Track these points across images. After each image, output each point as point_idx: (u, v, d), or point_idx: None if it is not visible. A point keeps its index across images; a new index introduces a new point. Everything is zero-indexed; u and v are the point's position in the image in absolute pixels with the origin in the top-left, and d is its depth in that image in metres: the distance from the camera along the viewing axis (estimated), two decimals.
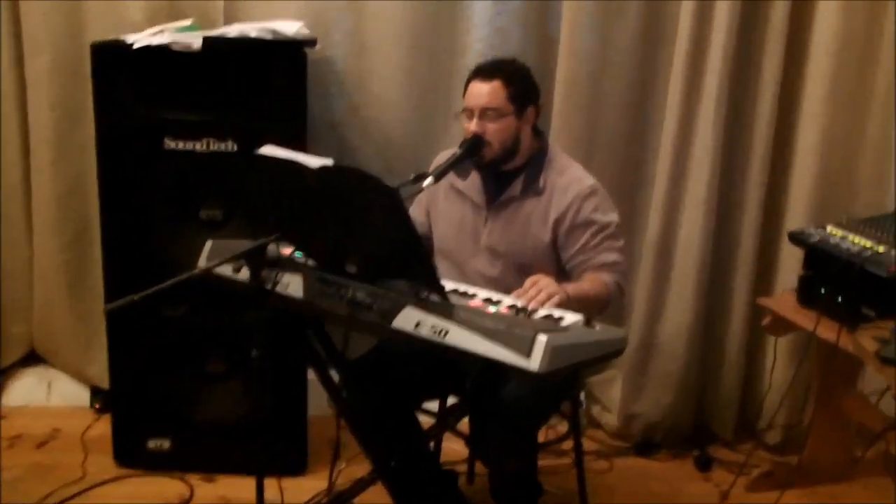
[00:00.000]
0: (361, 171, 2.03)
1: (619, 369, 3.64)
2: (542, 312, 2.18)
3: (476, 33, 3.33)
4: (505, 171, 2.62)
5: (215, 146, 2.93)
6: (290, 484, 2.82)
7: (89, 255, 3.44)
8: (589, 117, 3.36)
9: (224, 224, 3.02)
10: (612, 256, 2.57)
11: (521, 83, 2.56)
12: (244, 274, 2.33)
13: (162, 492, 3.09)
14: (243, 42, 2.93)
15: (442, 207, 2.75)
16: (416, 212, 2.88)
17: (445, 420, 2.75)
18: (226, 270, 2.39)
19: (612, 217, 2.60)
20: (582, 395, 3.68)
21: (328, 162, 2.11)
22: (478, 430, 2.54)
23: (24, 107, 3.37)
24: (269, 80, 2.94)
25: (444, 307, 2.09)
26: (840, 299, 2.76)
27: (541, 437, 2.88)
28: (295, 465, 3.17)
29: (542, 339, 1.92)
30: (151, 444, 3.18)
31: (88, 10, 3.28)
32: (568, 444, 3.01)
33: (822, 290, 2.84)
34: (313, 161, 2.12)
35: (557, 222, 2.57)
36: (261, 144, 2.90)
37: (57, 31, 3.25)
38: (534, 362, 1.92)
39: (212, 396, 3.16)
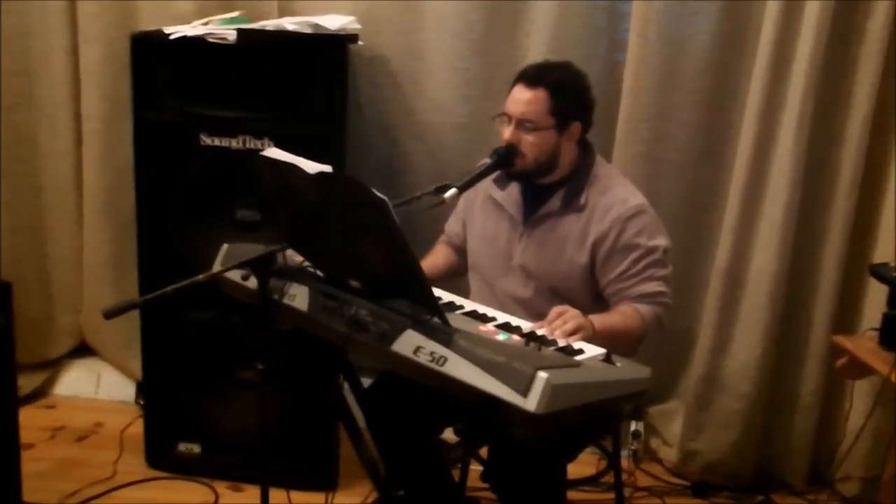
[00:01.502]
0: (356, 181, 1.86)
1: (681, 400, 3.38)
2: (560, 343, 1.98)
3: (538, 36, 3.11)
4: (545, 184, 2.41)
5: (251, 144, 2.83)
6: (316, 499, 2.71)
7: (134, 249, 3.36)
8: (655, 132, 3.11)
9: (260, 226, 2.91)
10: (654, 286, 2.34)
11: (568, 95, 2.34)
12: (254, 282, 2.21)
13: (187, 498, 3.02)
14: (281, 35, 2.80)
15: (478, 219, 2.57)
16: (452, 222, 2.71)
17: (466, 446, 2.56)
18: (235, 277, 2.28)
19: (660, 242, 2.37)
20: (641, 426, 3.43)
21: (327, 169, 1.95)
22: (493, 466, 2.34)
23: (77, 97, 3.35)
24: (308, 76, 2.82)
25: (446, 333, 1.91)
26: None
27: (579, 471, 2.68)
28: (324, 481, 3.04)
29: (542, 376, 1.71)
30: (182, 447, 3.12)
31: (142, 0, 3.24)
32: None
33: None
34: (313, 167, 1.97)
35: (597, 244, 2.35)
36: (296, 144, 2.83)
37: (110, 21, 3.21)
38: (531, 402, 1.72)
39: (243, 404, 3.06)
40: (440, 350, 1.87)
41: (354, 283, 2.11)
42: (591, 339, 2.05)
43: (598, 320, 2.15)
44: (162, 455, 3.14)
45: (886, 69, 2.94)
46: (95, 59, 3.24)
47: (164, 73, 2.83)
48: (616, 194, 2.38)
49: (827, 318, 3.11)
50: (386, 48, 3.20)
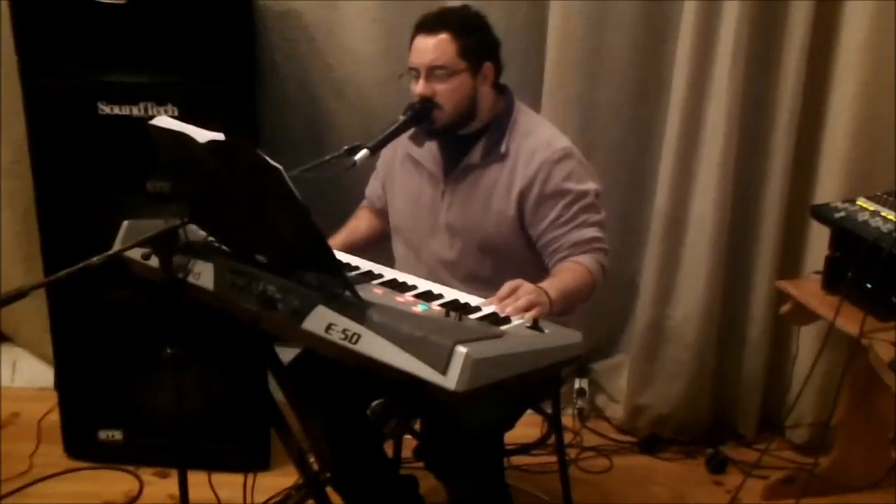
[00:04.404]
0: (249, 148, 1.68)
1: (626, 354, 3.27)
2: (480, 313, 1.83)
3: None
4: (464, 135, 2.25)
5: (154, 111, 2.62)
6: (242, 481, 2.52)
7: None
8: (587, 74, 2.95)
9: (174, 198, 2.71)
10: (590, 232, 2.20)
11: (474, 35, 2.17)
12: (156, 261, 2.03)
13: (109, 489, 2.84)
14: None
15: (398, 180, 2.41)
16: (373, 185, 2.55)
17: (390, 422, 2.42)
18: (137, 256, 2.10)
19: (590, 185, 2.22)
20: (585, 382, 3.32)
21: (218, 136, 1.77)
22: (424, 442, 2.20)
23: None
24: (211, 34, 2.60)
25: (359, 307, 1.75)
26: (868, 286, 2.36)
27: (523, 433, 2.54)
28: (255, 461, 2.89)
29: (461, 350, 1.56)
30: (103, 435, 2.95)
31: None
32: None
33: (849, 275, 2.42)
34: (204, 135, 1.79)
35: (523, 193, 2.20)
36: (205, 108, 2.64)
37: None
38: (450, 379, 1.57)
39: (165, 386, 2.88)
40: (353, 327, 1.72)
41: (261, 258, 1.94)
42: (548, 313, 1.91)
43: (552, 287, 2.01)
44: (82, 444, 2.96)
45: None
46: None
47: (52, 36, 2.59)
48: (539, 138, 2.23)
49: (770, 261, 3.01)
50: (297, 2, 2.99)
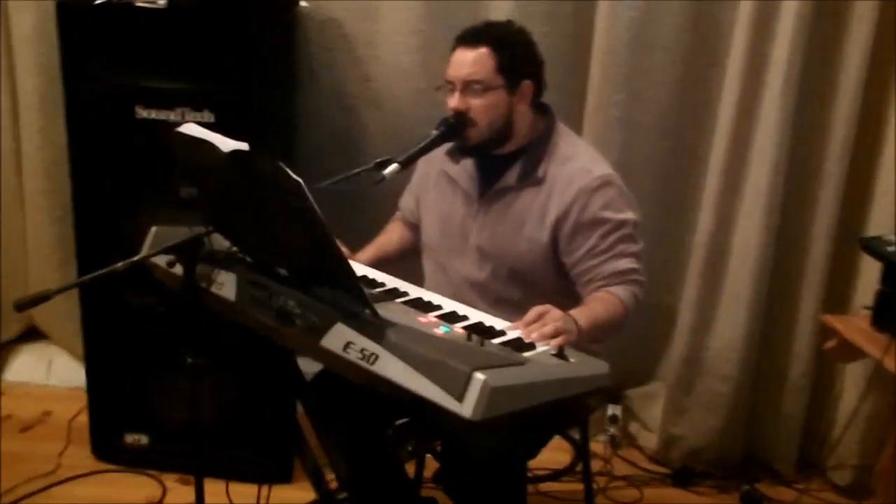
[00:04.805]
0: (271, 159, 1.64)
1: (663, 382, 3.18)
2: (504, 338, 1.77)
3: None
4: (500, 155, 2.19)
5: (190, 117, 2.60)
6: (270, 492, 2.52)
7: None
8: (630, 94, 2.87)
9: (200, 206, 2.69)
10: (626, 263, 2.12)
11: (514, 51, 2.12)
12: (180, 269, 2.01)
13: (132, 493, 2.83)
14: None
15: (432, 195, 2.36)
16: (406, 198, 2.50)
17: (407, 445, 2.37)
18: (163, 263, 2.09)
19: (629, 215, 2.15)
20: (619, 409, 3.23)
21: (242, 146, 1.74)
22: (444, 467, 2.14)
23: (12, 69, 3.12)
24: (251, 42, 2.58)
25: (379, 326, 1.71)
26: None
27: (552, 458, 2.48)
28: (279, 473, 2.86)
29: (478, 377, 1.51)
30: (129, 438, 2.93)
31: None
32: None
33: None
34: (228, 143, 1.76)
35: (559, 221, 2.13)
36: (240, 116, 2.62)
37: None
38: (466, 407, 1.52)
39: (195, 391, 2.87)
40: (370, 346, 1.68)
41: (282, 271, 1.91)
42: (576, 341, 1.84)
43: (582, 316, 1.93)
44: (108, 446, 2.95)
45: (883, 19, 2.69)
46: (28, 28, 3.02)
47: (94, 42, 2.60)
48: (578, 165, 2.16)
49: (817, 294, 2.90)
50: (338, 9, 2.96)
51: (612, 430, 3.19)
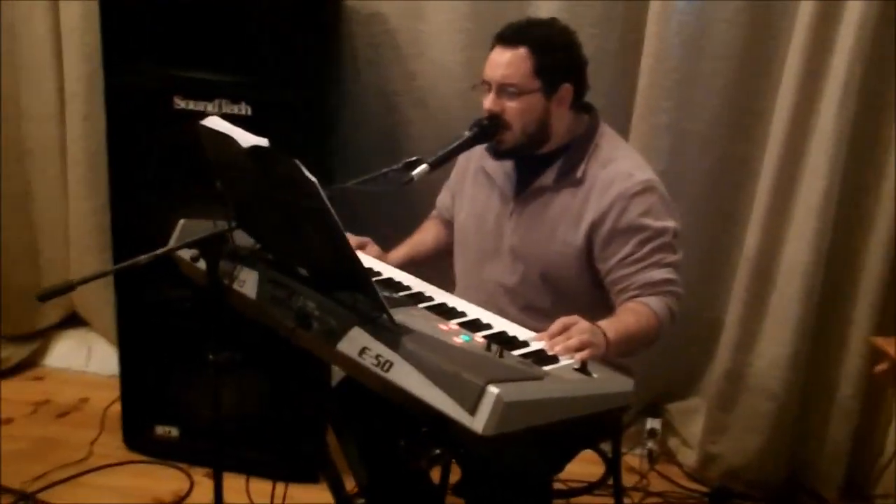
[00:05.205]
0: (289, 158, 1.60)
1: (703, 398, 3.09)
2: (523, 351, 1.71)
3: None
4: (539, 154, 2.12)
5: (227, 108, 2.59)
6: (296, 492, 2.61)
7: None
8: (680, 102, 2.78)
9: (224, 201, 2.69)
10: (662, 274, 2.03)
11: (554, 53, 2.03)
12: (203, 264, 1.99)
13: (160, 485, 2.83)
14: None
15: (468, 192, 2.29)
16: (443, 195, 2.45)
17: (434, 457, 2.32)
18: (186, 256, 2.07)
19: (669, 223, 2.05)
20: (658, 423, 3.14)
21: (262, 142, 1.70)
22: (465, 479, 2.09)
23: (60, 56, 3.14)
24: (294, 35, 2.55)
25: (396, 333, 1.66)
26: None
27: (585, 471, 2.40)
28: (306, 473, 2.83)
29: (492, 391, 1.45)
30: (159, 430, 2.94)
31: None
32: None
33: None
34: (248, 139, 1.73)
35: (594, 225, 2.05)
36: (278, 110, 2.60)
37: None
38: (478, 421, 1.46)
39: (224, 387, 2.85)
40: (386, 353, 1.63)
41: (302, 271, 1.87)
42: (604, 355, 1.77)
43: (612, 328, 1.84)
44: (139, 437, 2.97)
45: None
46: (75, 16, 3.04)
47: (136, 32, 2.60)
48: (619, 168, 2.07)
49: (869, 315, 2.77)
50: (384, 6, 2.92)
51: (650, 444, 3.10)
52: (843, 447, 2.89)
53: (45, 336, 3.55)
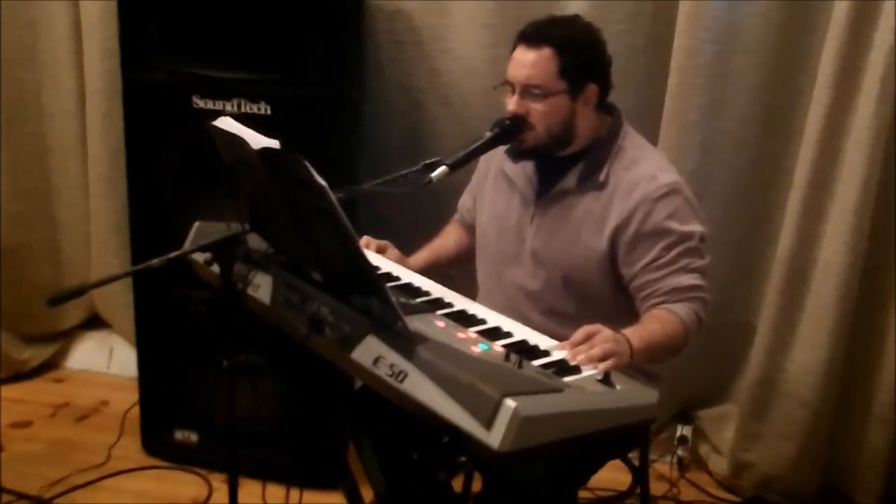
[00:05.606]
0: (299, 160, 1.54)
1: (736, 404, 2.99)
2: (543, 361, 1.64)
3: None
4: (561, 156, 2.05)
5: (246, 108, 2.54)
6: (315, 498, 2.55)
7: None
8: (711, 100, 2.69)
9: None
10: (689, 279, 1.95)
11: (579, 53, 1.96)
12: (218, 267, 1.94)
13: (178, 490, 2.79)
14: None
15: (488, 195, 2.23)
16: (465, 198, 2.39)
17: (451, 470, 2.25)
18: (200, 259, 2.02)
19: (695, 227, 1.98)
20: (689, 430, 3.06)
21: (274, 144, 1.64)
22: (485, 493, 2.02)
23: (80, 52, 3.11)
24: (313, 32, 2.49)
25: (412, 342, 1.60)
26: None
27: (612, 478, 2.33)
28: (327, 479, 2.77)
29: (509, 405, 1.39)
30: (179, 435, 2.90)
31: None
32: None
33: None
34: (259, 140, 1.67)
35: (618, 229, 1.98)
36: (299, 109, 2.54)
37: None
38: (494, 436, 1.40)
39: (244, 392, 2.80)
40: (401, 363, 1.57)
41: (317, 276, 1.81)
42: (628, 364, 1.70)
43: (637, 336, 1.77)
44: (158, 441, 2.93)
45: None
46: (95, 13, 3.00)
47: (154, 29, 2.56)
48: (643, 170, 2.00)
49: None
50: (407, 3, 2.85)
51: (681, 451, 3.01)
52: (882, 455, 2.78)
53: (67, 337, 3.52)
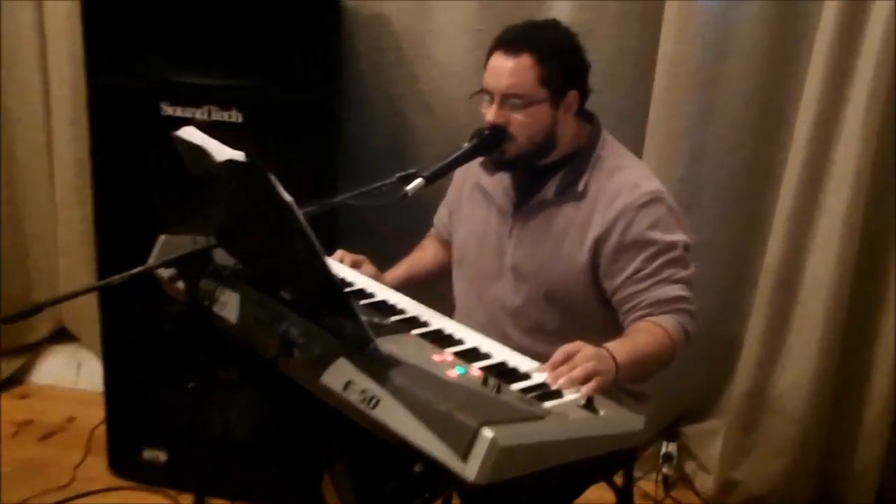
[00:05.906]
0: (264, 173, 1.45)
1: (723, 420, 2.92)
2: (523, 384, 1.55)
3: None
4: (539, 167, 1.97)
5: (217, 115, 2.45)
6: None
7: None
8: (699, 106, 2.62)
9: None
10: (674, 290, 1.88)
11: (560, 59, 1.88)
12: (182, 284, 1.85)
13: None
14: None
15: (465, 210, 2.15)
16: (441, 212, 2.30)
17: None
18: (165, 275, 1.94)
19: (679, 237, 1.91)
20: (674, 447, 2.98)
21: (238, 156, 1.55)
22: None
23: (45, 58, 3.00)
24: (286, 37, 2.41)
25: (385, 365, 1.51)
26: None
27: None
28: (301, 499, 2.68)
29: (486, 435, 1.30)
30: (147, 454, 2.79)
31: None
32: None
33: None
34: (224, 152, 1.58)
35: (599, 240, 1.91)
36: (272, 116, 2.46)
37: None
38: (470, 468, 1.31)
39: (217, 407, 2.71)
40: (373, 388, 1.49)
41: (286, 295, 1.72)
42: (614, 380, 1.63)
43: (622, 351, 1.70)
44: (126, 461, 2.82)
45: None
46: (61, 16, 2.90)
47: (120, 34, 2.47)
48: (624, 179, 1.93)
49: None
50: (387, 6, 2.76)
51: (666, 469, 2.93)
52: (873, 471, 2.72)
53: (34, 350, 3.41)
